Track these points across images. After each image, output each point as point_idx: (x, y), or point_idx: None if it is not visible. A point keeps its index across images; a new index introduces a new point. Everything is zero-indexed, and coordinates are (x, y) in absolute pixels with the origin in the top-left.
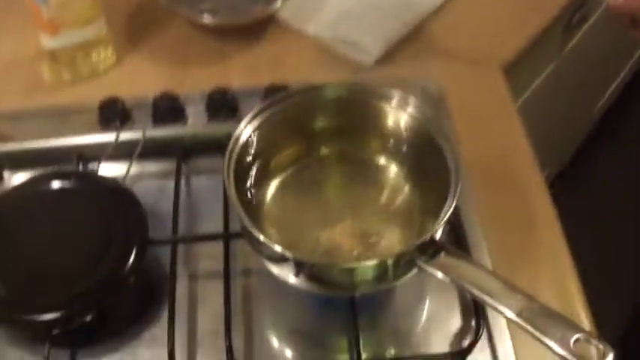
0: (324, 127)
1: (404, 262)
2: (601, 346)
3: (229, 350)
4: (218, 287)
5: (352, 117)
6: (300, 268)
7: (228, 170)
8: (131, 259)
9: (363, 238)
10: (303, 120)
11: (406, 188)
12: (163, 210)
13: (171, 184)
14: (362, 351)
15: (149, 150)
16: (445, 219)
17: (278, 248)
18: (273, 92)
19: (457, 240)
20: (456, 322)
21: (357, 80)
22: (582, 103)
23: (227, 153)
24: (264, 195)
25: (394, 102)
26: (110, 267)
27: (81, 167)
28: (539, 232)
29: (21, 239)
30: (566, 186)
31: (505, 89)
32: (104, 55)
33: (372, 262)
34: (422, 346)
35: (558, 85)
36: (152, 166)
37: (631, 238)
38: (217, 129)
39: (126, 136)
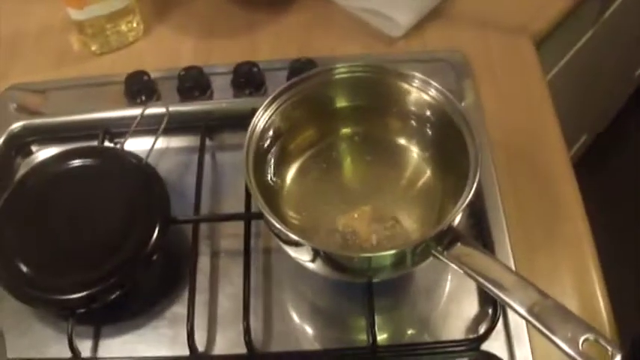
0: (344, 107)
1: (420, 251)
2: (610, 348)
3: (247, 332)
4: (240, 266)
5: (372, 97)
6: (316, 254)
7: (247, 156)
8: (153, 239)
9: (381, 223)
10: (322, 101)
11: (428, 171)
12: (188, 186)
13: (196, 159)
14: (378, 333)
15: (174, 125)
16: (462, 208)
17: (294, 236)
18: (299, 67)
19: (478, 224)
20: (473, 308)
21: (378, 58)
22: (619, 73)
23: (246, 139)
24: (284, 177)
25: (416, 83)
26: (133, 247)
27: (107, 142)
28: (563, 221)
29: (45, 217)
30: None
31: (536, 64)
32: (132, 26)
33: (387, 253)
34: (438, 330)
35: (594, 55)
36: (177, 141)
37: None
38: (243, 104)
39: (151, 110)
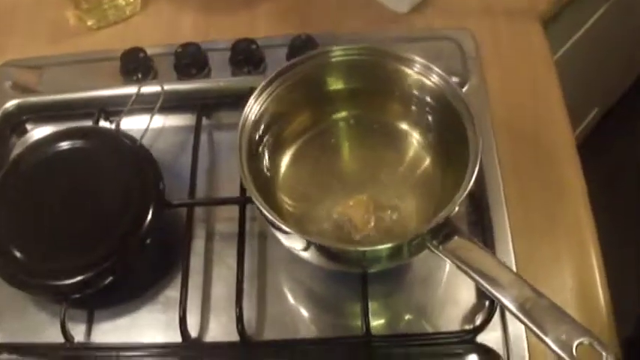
0: (341, 90)
1: (415, 244)
2: (604, 353)
3: (239, 320)
4: (234, 250)
5: (371, 80)
6: (309, 244)
7: (240, 145)
8: (147, 223)
9: (377, 213)
10: (318, 84)
11: (427, 159)
12: (183, 166)
13: (193, 138)
14: (373, 320)
15: (170, 104)
16: (459, 201)
17: (285, 227)
18: (299, 44)
19: (478, 209)
20: (470, 298)
21: (382, 36)
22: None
23: (239, 127)
24: (279, 164)
25: (416, 67)
26: (126, 231)
27: (103, 121)
28: (565, 206)
29: (38, 201)
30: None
31: (544, 44)
32: (129, 0)
33: (382, 247)
34: (434, 319)
35: (606, 32)
36: (174, 120)
37: None
38: (240, 83)
39: (147, 89)
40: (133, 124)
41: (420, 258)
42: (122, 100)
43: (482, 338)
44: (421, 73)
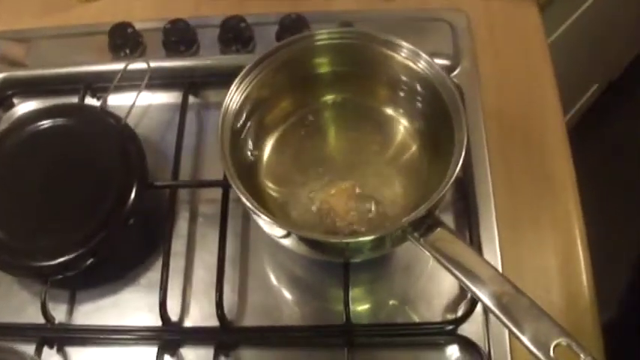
0: (327, 73)
1: (397, 235)
2: (583, 355)
3: (219, 306)
4: (217, 233)
5: (358, 63)
6: (289, 233)
7: (222, 131)
8: (129, 204)
9: (360, 202)
10: (301, 68)
11: (414, 147)
12: (169, 145)
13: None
14: (354, 309)
15: (157, 81)
16: (442, 194)
17: (265, 217)
18: (289, 23)
19: (464, 198)
20: (453, 288)
21: (374, 15)
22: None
23: (221, 114)
24: (263, 148)
25: (404, 53)
26: (109, 212)
27: (89, 98)
28: (553, 196)
29: (21, 180)
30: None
31: (539, 27)
32: None
33: (361, 239)
34: (416, 308)
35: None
36: (161, 98)
37: None
38: (228, 61)
39: (134, 66)
40: (119, 100)
41: (405, 246)
42: (109, 76)
43: (463, 329)
44: (409, 59)
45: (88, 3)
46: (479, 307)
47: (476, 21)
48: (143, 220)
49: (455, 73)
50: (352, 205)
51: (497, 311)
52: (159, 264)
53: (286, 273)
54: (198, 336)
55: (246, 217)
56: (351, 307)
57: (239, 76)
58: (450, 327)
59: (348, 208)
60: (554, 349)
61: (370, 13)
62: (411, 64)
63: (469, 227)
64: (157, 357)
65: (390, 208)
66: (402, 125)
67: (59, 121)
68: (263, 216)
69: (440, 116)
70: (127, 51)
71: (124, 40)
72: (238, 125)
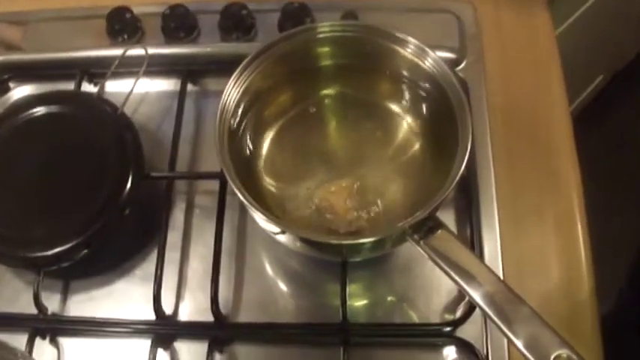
0: (328, 66)
1: (397, 237)
2: None
3: (214, 301)
4: (214, 226)
5: (361, 56)
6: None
7: (220, 125)
8: (125, 194)
9: (360, 199)
10: (302, 60)
11: (417, 145)
12: (166, 134)
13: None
14: (351, 307)
15: (155, 69)
16: (444, 197)
17: (261, 214)
18: (291, 11)
19: (467, 196)
20: (452, 289)
21: (380, 4)
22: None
23: (219, 109)
24: (262, 143)
25: (410, 48)
26: (104, 202)
27: (86, 84)
28: (557, 193)
29: (14, 169)
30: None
31: (548, 23)
32: None
33: (359, 241)
34: (415, 308)
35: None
36: (159, 85)
37: None
38: (228, 49)
39: (132, 52)
40: (117, 87)
41: (404, 244)
42: (106, 61)
43: (461, 331)
44: (414, 55)
45: None
46: (478, 310)
47: (483, 13)
48: (139, 211)
49: (460, 66)
50: (352, 203)
51: (496, 319)
52: (154, 255)
53: (283, 268)
54: (192, 331)
55: (244, 211)
56: (348, 304)
57: (237, 69)
58: (448, 328)
59: (347, 207)
60: None
61: (375, 3)
62: (416, 59)
63: (470, 224)
64: (150, 350)
65: (391, 207)
66: (405, 121)
67: (54, 108)
68: (259, 213)
69: (444, 115)
70: (125, 36)
71: (122, 25)
72: (237, 119)
